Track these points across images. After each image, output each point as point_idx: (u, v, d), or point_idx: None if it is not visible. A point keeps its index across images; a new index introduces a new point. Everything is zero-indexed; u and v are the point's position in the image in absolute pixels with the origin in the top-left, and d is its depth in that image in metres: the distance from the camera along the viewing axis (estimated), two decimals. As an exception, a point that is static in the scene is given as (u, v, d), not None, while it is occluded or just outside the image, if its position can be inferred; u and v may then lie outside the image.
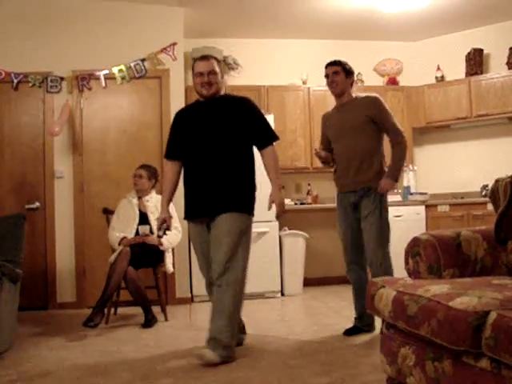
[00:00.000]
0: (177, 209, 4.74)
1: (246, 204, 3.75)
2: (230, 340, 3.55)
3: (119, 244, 4.88)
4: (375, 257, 4.07)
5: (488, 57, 7.02)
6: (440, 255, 2.88)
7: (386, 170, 4.20)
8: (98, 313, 4.50)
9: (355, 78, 4.43)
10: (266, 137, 3.80)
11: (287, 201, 6.79)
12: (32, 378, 3.35)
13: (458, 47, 7.13)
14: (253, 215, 3.81)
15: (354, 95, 4.29)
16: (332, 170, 4.44)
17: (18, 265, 4.06)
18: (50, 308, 5.64)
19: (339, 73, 4.18)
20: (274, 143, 3.81)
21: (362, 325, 4.22)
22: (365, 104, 4.18)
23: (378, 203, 4.11)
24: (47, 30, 5.84)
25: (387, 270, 4.03)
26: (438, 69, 7.21)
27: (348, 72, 4.22)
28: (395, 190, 4.19)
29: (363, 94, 4.31)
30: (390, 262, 4.10)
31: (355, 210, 4.22)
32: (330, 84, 4.23)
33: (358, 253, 4.27)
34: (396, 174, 4.16)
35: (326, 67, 4.26)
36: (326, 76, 4.25)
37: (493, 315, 2.02)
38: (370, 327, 4.20)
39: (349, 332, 4.20)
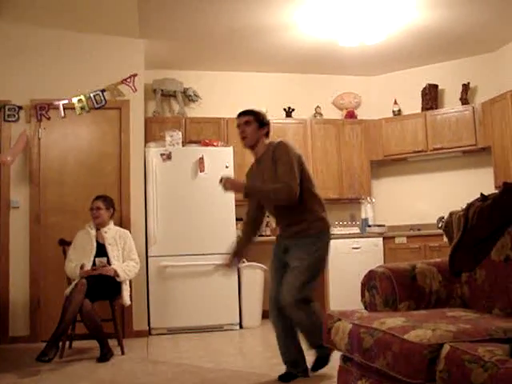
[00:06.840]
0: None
1: None
2: None
3: (80, 269, 4.81)
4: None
5: (442, 92, 7.24)
6: (396, 288, 2.92)
7: (323, 215, 3.82)
8: (53, 347, 4.36)
9: (270, 129, 3.99)
10: None
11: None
12: (-19, 416, 3.26)
13: (414, 82, 7.34)
14: None
15: (267, 142, 3.92)
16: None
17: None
18: (2, 342, 5.44)
19: (251, 123, 3.86)
20: None
21: (297, 371, 3.86)
22: (273, 150, 3.78)
23: (312, 250, 3.71)
24: (5, 58, 5.77)
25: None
26: (395, 103, 7.39)
27: (261, 123, 3.88)
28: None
29: (275, 141, 3.89)
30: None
31: (285, 253, 3.83)
32: (240, 135, 3.91)
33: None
34: (255, 190, 3.80)
35: (238, 117, 3.94)
36: (238, 126, 3.92)
37: (446, 348, 2.05)
38: (305, 373, 3.84)
39: (283, 378, 3.82)
